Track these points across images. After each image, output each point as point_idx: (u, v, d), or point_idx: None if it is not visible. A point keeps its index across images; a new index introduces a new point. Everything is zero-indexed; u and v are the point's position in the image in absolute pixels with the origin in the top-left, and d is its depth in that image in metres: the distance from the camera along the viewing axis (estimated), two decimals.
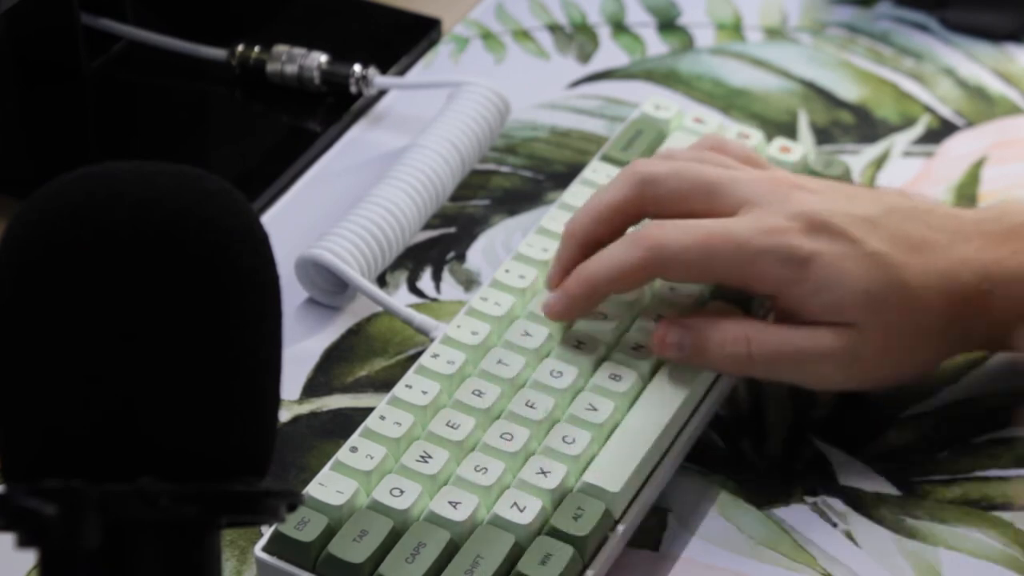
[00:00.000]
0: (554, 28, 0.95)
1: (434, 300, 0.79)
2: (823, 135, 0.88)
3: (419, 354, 0.74)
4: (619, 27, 0.95)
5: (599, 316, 0.71)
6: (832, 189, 0.71)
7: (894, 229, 0.68)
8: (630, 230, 0.71)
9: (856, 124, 0.89)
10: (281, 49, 0.88)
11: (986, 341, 0.71)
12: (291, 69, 0.88)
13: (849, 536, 0.69)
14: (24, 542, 0.45)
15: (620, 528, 0.66)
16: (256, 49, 0.89)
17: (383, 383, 0.74)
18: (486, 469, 0.66)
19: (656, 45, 0.94)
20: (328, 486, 0.65)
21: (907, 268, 0.67)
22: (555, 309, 0.70)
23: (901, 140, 0.88)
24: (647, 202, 0.70)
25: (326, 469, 0.66)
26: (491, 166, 0.86)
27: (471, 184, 0.85)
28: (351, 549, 0.63)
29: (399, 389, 0.69)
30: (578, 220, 0.71)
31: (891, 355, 0.68)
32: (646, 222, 0.71)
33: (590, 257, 0.70)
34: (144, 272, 0.47)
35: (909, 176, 0.86)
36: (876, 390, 0.73)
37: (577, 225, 0.71)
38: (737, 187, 0.69)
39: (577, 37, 0.94)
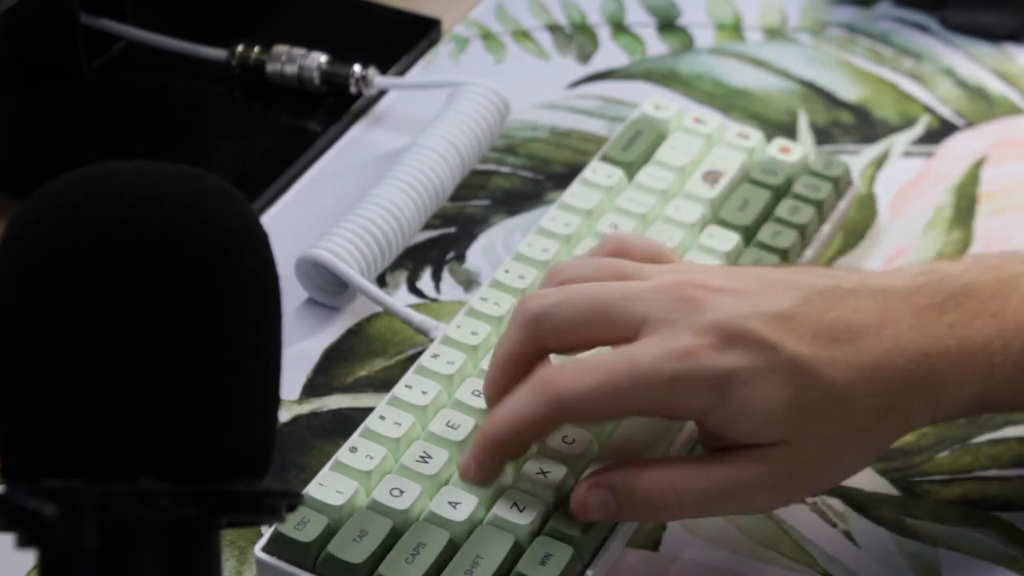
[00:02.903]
0: (554, 28, 0.95)
1: (434, 300, 0.79)
2: (823, 135, 0.88)
3: (419, 354, 0.74)
4: (619, 27, 0.95)
5: None
6: (742, 283, 0.63)
7: (815, 321, 0.62)
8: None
9: (856, 124, 0.89)
10: (281, 49, 0.88)
11: (931, 421, 0.66)
12: (291, 69, 0.88)
13: (849, 536, 0.69)
14: (24, 542, 0.45)
15: (620, 528, 0.66)
16: (256, 49, 0.89)
17: (383, 383, 0.74)
18: None
19: (656, 45, 0.94)
20: (328, 486, 0.65)
21: (833, 365, 0.61)
22: (469, 474, 0.64)
23: (901, 140, 0.88)
24: (545, 339, 0.64)
25: (326, 469, 0.66)
26: (491, 166, 0.86)
27: (471, 184, 0.85)
28: (351, 549, 0.63)
29: (399, 389, 0.69)
30: (488, 382, 0.65)
31: (827, 464, 0.63)
32: (546, 363, 0.65)
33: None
34: (144, 272, 0.47)
35: (909, 176, 0.86)
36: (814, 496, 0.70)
37: (489, 387, 0.65)
38: (635, 304, 0.62)
39: (577, 37, 0.94)
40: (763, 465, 0.62)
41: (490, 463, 0.64)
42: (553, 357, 0.66)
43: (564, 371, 0.62)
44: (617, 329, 0.63)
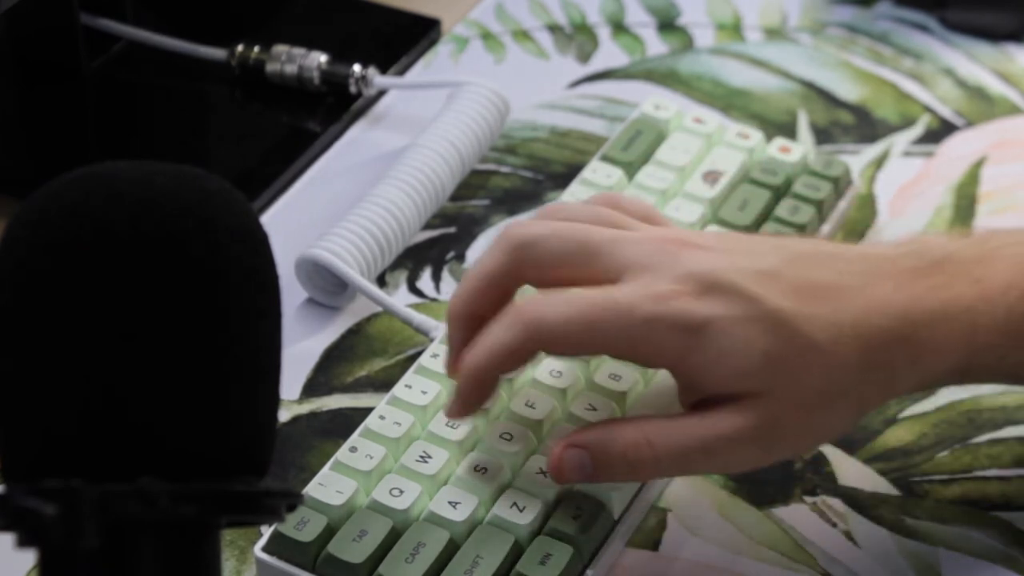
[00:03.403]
0: (554, 28, 0.95)
1: (434, 300, 0.79)
2: (823, 135, 0.88)
3: (419, 354, 0.74)
4: (619, 27, 0.95)
5: None
6: (728, 244, 0.64)
7: (797, 279, 0.62)
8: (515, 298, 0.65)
9: (856, 124, 0.89)
10: (281, 49, 0.88)
11: (916, 385, 0.65)
12: (291, 69, 0.88)
13: (849, 536, 0.69)
14: (24, 542, 0.45)
15: (620, 528, 0.66)
16: (256, 49, 0.89)
17: (383, 383, 0.74)
18: (486, 469, 0.66)
19: (656, 45, 0.94)
20: (328, 486, 0.65)
21: (814, 321, 0.61)
22: (453, 411, 0.65)
23: (901, 140, 0.88)
24: (525, 267, 0.64)
25: (326, 469, 0.66)
26: (491, 166, 0.86)
27: (471, 184, 0.85)
28: (351, 549, 0.63)
29: (399, 389, 0.69)
30: (458, 298, 0.65)
31: (808, 420, 0.62)
32: (526, 293, 0.65)
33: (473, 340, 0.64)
34: (144, 272, 0.47)
35: (909, 176, 0.86)
36: (799, 457, 0.70)
37: (458, 303, 0.65)
38: (621, 249, 0.63)
39: (577, 37, 0.94)
40: (741, 417, 0.61)
41: (471, 395, 0.64)
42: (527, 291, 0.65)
43: (542, 300, 0.62)
44: (599, 271, 0.63)
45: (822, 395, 0.62)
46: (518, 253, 0.64)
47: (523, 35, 0.95)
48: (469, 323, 0.64)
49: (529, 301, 0.62)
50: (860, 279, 0.63)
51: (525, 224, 0.65)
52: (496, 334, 0.62)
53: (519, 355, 0.62)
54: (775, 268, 0.62)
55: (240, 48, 0.89)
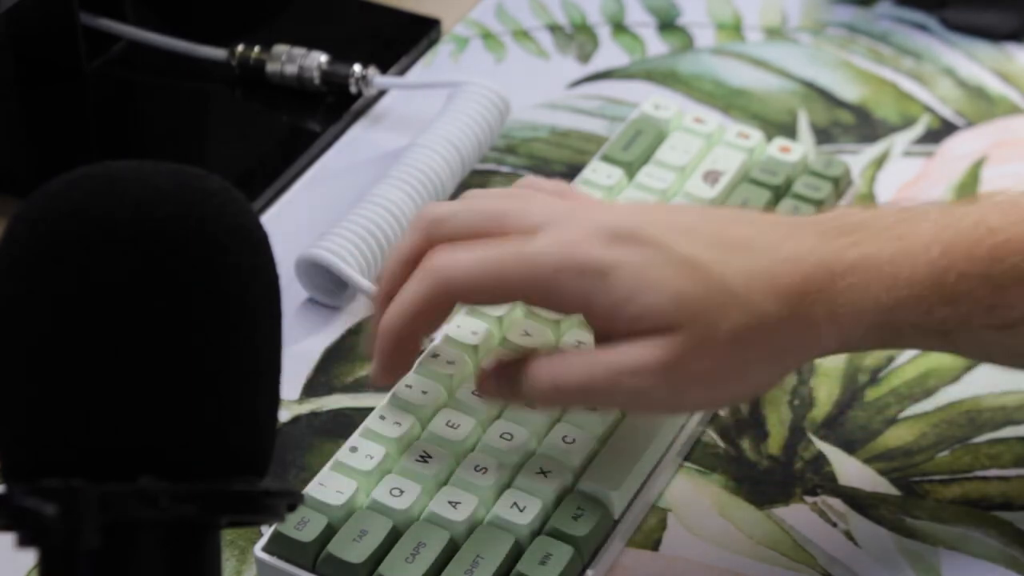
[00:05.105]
0: (554, 28, 0.95)
1: None
2: (823, 135, 0.88)
3: (419, 354, 0.74)
4: (619, 27, 0.95)
5: None
6: (647, 206, 0.64)
7: (713, 233, 0.62)
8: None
9: (856, 124, 0.89)
10: (281, 49, 0.88)
11: (840, 343, 0.63)
12: (291, 69, 0.88)
13: (849, 536, 0.69)
14: (24, 542, 0.45)
15: (620, 528, 0.66)
16: (256, 49, 0.89)
17: None
18: (486, 469, 0.66)
19: (656, 45, 0.94)
20: (328, 486, 0.65)
21: (727, 267, 0.60)
22: (376, 375, 0.65)
23: (901, 140, 0.88)
24: (438, 242, 0.64)
25: (326, 469, 0.66)
26: (491, 166, 0.86)
27: (471, 184, 0.85)
28: (351, 549, 0.63)
29: (399, 389, 0.69)
30: (378, 282, 0.66)
31: (721, 364, 0.61)
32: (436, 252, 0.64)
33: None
34: (144, 272, 0.47)
35: (909, 176, 0.86)
36: (718, 408, 0.69)
37: (379, 287, 0.65)
38: (531, 211, 0.63)
39: (577, 37, 0.94)
40: (647, 349, 0.60)
41: (393, 357, 0.64)
42: None
43: (451, 251, 0.62)
44: (511, 233, 0.63)
45: (735, 339, 0.60)
46: (430, 230, 0.64)
47: (523, 35, 0.95)
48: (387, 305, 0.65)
49: (438, 253, 0.63)
50: (780, 234, 0.62)
51: (438, 204, 0.65)
52: (408, 289, 0.63)
53: (433, 309, 0.63)
54: (691, 223, 0.62)
55: (240, 48, 0.89)
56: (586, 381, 0.61)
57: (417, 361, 0.70)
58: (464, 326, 0.72)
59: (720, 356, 0.60)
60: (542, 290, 0.61)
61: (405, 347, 0.64)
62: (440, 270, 0.62)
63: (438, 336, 0.72)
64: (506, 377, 0.63)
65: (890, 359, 0.76)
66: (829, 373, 0.75)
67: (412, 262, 0.64)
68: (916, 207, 0.65)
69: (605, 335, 0.62)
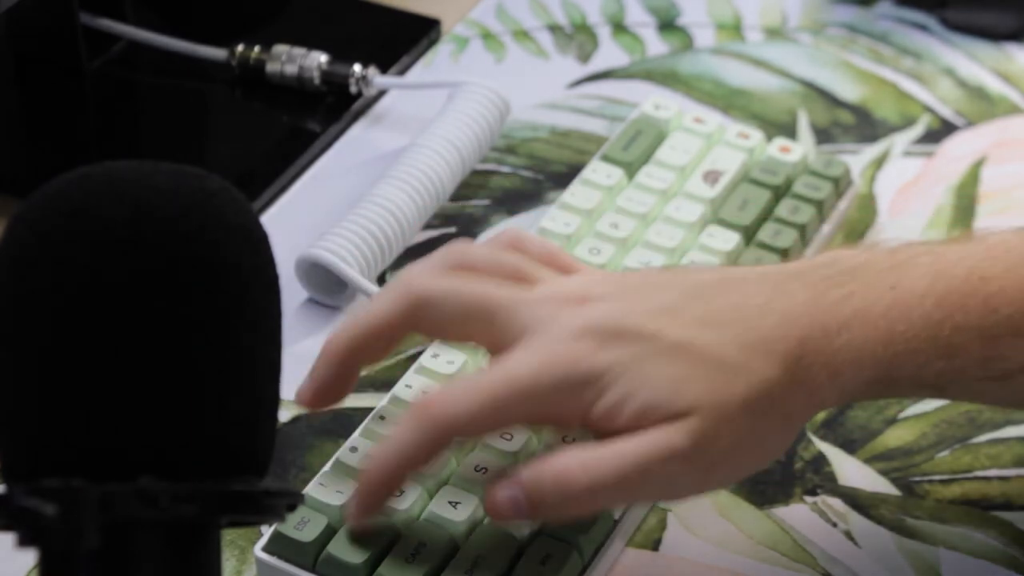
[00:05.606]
0: (554, 28, 0.95)
1: None
2: (823, 135, 0.88)
3: (419, 354, 0.74)
4: (619, 27, 0.95)
5: None
6: (625, 287, 0.62)
7: (699, 311, 0.61)
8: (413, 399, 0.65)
9: (856, 124, 0.89)
10: (281, 49, 0.88)
11: (840, 397, 0.62)
12: (291, 69, 0.88)
13: (849, 536, 0.69)
14: (24, 542, 0.45)
15: (620, 528, 0.66)
16: (256, 49, 0.89)
17: (383, 383, 0.74)
18: (486, 469, 0.66)
19: (656, 45, 0.94)
20: (328, 486, 0.65)
21: (720, 344, 0.60)
22: (355, 515, 0.62)
23: (901, 140, 0.88)
24: (422, 324, 0.63)
25: (326, 469, 0.66)
26: (491, 166, 0.86)
27: (471, 184, 0.85)
28: (351, 549, 0.63)
29: (399, 389, 0.69)
30: (341, 336, 0.63)
31: (741, 434, 0.60)
32: (426, 392, 0.62)
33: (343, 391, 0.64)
34: (144, 272, 0.47)
35: (909, 176, 0.86)
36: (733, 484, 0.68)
37: (340, 342, 0.63)
38: (519, 313, 0.61)
39: (577, 37, 0.94)
40: (674, 433, 0.59)
41: (374, 503, 0.62)
42: None
43: (444, 396, 0.60)
44: (497, 336, 0.62)
45: (748, 409, 0.60)
46: (415, 311, 0.62)
47: (523, 35, 0.95)
48: (345, 363, 0.63)
49: (431, 399, 0.60)
50: (766, 296, 0.61)
51: (424, 277, 0.63)
52: (404, 437, 0.60)
53: (428, 455, 0.60)
54: (673, 303, 0.61)
55: (240, 48, 0.89)
56: (618, 473, 0.59)
57: (417, 361, 0.70)
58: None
59: (737, 429, 0.60)
60: (541, 413, 0.60)
61: (394, 487, 0.62)
62: (441, 418, 0.59)
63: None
64: (525, 488, 0.60)
65: None
66: None
67: (386, 333, 0.63)
68: (907, 249, 0.64)
69: (605, 434, 0.60)
